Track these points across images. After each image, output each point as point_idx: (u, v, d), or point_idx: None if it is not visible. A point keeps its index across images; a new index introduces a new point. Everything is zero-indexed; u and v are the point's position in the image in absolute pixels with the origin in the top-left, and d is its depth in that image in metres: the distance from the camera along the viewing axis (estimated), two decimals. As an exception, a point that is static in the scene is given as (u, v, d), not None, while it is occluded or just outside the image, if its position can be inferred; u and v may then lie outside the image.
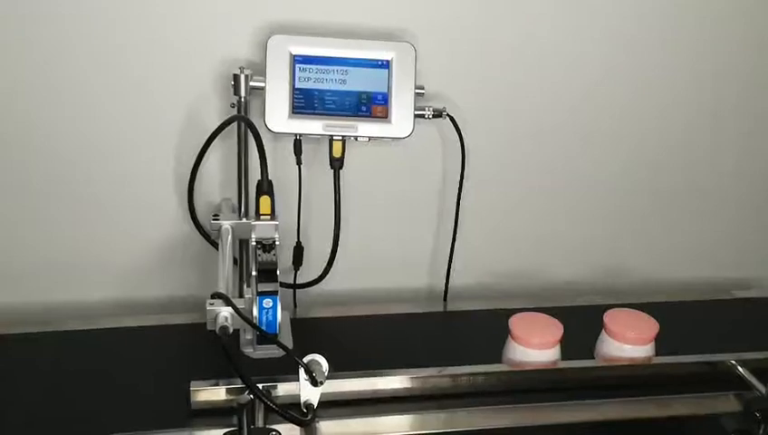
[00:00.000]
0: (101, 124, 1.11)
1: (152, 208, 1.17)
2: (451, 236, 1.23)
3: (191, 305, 1.21)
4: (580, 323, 1.17)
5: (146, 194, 1.16)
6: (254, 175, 1.09)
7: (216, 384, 0.92)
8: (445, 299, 1.26)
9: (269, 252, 0.89)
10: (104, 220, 1.17)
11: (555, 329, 1.02)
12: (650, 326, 1.04)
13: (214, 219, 1.11)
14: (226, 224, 1.10)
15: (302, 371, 0.88)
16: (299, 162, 1.08)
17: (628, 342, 1.03)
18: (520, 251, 1.31)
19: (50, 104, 1.09)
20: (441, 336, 1.16)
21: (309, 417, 0.86)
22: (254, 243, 0.90)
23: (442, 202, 1.25)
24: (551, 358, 1.01)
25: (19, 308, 1.18)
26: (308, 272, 1.19)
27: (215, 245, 1.16)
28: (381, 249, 1.27)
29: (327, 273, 1.15)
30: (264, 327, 0.87)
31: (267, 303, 0.85)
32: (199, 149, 1.06)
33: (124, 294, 1.21)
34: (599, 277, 1.35)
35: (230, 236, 1.08)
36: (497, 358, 1.05)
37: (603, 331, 1.06)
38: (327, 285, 1.20)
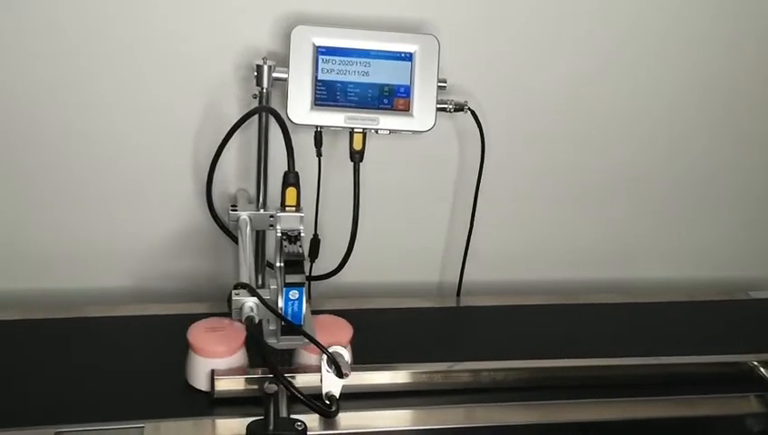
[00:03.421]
0: (122, 114, 1.11)
1: (169, 198, 1.17)
2: (466, 231, 1.23)
3: (206, 295, 1.21)
4: (594, 321, 1.19)
5: (164, 183, 1.16)
6: (273, 166, 1.09)
7: (240, 373, 0.92)
8: (458, 294, 1.26)
9: (294, 243, 0.89)
10: (122, 209, 1.16)
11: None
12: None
13: (232, 210, 1.10)
14: (244, 215, 1.09)
15: (324, 362, 0.88)
16: (319, 154, 1.08)
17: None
18: (534, 247, 1.32)
19: (73, 95, 1.08)
20: (455, 331, 1.17)
21: (333, 408, 0.86)
22: (279, 234, 0.90)
23: (456, 197, 1.25)
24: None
25: (36, 295, 1.17)
26: (320, 264, 1.18)
27: (230, 235, 1.16)
28: (394, 243, 1.27)
29: (344, 265, 1.15)
30: (289, 318, 0.86)
31: (293, 294, 0.85)
32: (220, 140, 1.05)
33: (140, 282, 1.20)
34: (613, 275, 1.35)
35: (249, 227, 1.07)
36: (511, 354, 1.05)
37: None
38: (339, 278, 1.19)
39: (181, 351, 0.96)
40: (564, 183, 1.28)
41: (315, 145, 1.07)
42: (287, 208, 0.92)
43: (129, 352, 1.03)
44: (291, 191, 0.91)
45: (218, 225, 1.15)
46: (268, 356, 0.81)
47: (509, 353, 1.06)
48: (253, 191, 1.15)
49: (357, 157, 1.08)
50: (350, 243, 1.13)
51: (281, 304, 0.87)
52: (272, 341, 0.88)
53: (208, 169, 1.08)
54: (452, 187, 1.24)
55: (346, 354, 0.89)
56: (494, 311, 1.22)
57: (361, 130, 1.07)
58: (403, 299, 1.23)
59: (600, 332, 1.16)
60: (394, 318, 1.17)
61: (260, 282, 1.14)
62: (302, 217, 0.92)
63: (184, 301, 1.18)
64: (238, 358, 0.95)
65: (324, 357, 0.88)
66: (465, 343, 1.12)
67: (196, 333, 0.95)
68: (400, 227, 1.26)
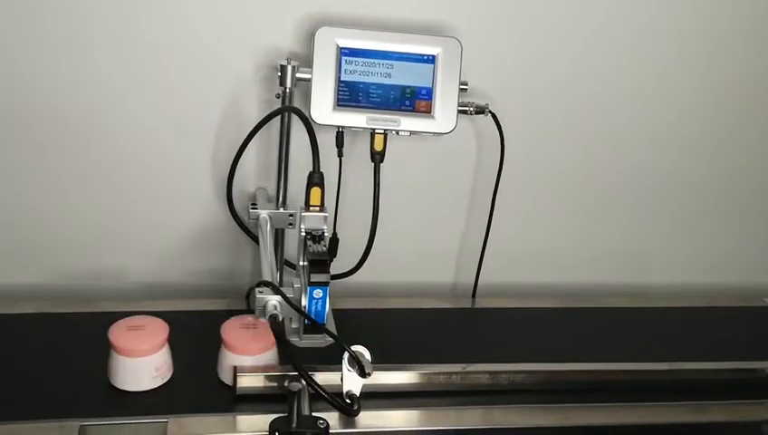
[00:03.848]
0: (144, 113, 1.12)
1: (189, 196, 1.18)
2: (481, 232, 1.24)
3: (223, 292, 1.21)
4: (609, 325, 1.19)
5: (184, 181, 1.17)
6: (293, 165, 1.10)
7: (263, 370, 0.92)
8: (473, 295, 1.27)
9: (318, 243, 0.89)
10: (142, 206, 1.17)
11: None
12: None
13: (252, 208, 1.11)
14: (264, 213, 1.10)
15: (345, 361, 0.89)
16: (340, 154, 1.09)
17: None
18: (549, 249, 1.32)
19: (95, 94, 1.09)
20: (471, 332, 1.17)
21: (355, 407, 0.87)
22: (303, 234, 0.91)
23: (473, 198, 1.26)
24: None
25: (56, 289, 1.18)
26: (335, 263, 1.19)
27: (249, 233, 1.17)
28: (409, 243, 1.28)
29: (362, 264, 1.15)
30: (312, 317, 0.87)
31: (317, 293, 0.86)
32: (240, 138, 1.06)
33: (159, 279, 1.21)
34: (629, 279, 1.36)
35: (269, 226, 1.08)
36: (527, 356, 1.06)
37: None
38: (352, 277, 1.20)
39: (203, 345, 0.97)
40: (581, 186, 1.28)
41: (337, 145, 1.08)
42: (311, 208, 0.92)
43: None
44: (315, 191, 0.92)
45: (237, 223, 1.16)
46: (293, 354, 0.82)
47: (524, 356, 1.07)
48: (272, 190, 1.16)
49: (377, 157, 1.08)
50: (368, 243, 1.13)
51: (304, 302, 0.87)
52: (294, 339, 0.89)
53: (229, 167, 1.09)
54: (469, 188, 1.25)
55: (367, 353, 0.89)
56: (508, 313, 1.23)
57: (383, 132, 1.07)
58: (418, 299, 1.24)
59: (615, 336, 1.17)
60: (409, 319, 1.18)
61: (278, 280, 1.14)
62: (326, 216, 0.93)
63: (202, 297, 1.19)
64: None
65: (346, 356, 0.89)
66: (480, 345, 1.13)
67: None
68: (417, 228, 1.27)
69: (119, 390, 0.93)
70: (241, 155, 1.07)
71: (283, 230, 1.14)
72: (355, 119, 1.06)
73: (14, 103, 1.08)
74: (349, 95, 1.05)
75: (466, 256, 1.29)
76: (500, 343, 1.13)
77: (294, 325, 0.90)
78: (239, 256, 1.23)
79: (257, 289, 0.89)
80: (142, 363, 0.92)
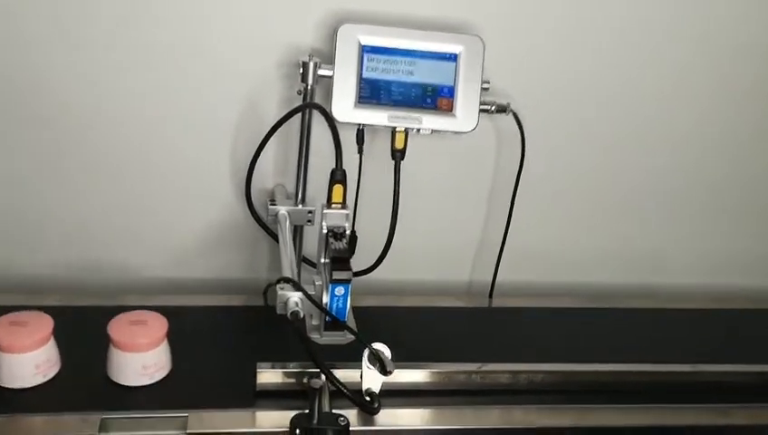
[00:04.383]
0: (163, 110, 1.12)
1: (207, 192, 1.18)
2: (499, 231, 1.23)
3: (239, 288, 1.22)
4: (625, 326, 1.19)
5: (202, 178, 1.17)
6: (313, 162, 1.10)
7: (283, 367, 0.93)
8: (491, 295, 1.27)
9: (340, 240, 0.89)
10: (160, 201, 1.17)
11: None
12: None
13: (271, 205, 1.11)
14: (283, 210, 1.10)
15: (365, 359, 0.89)
16: (360, 151, 1.08)
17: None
18: (567, 248, 1.32)
19: (114, 91, 1.09)
20: (487, 331, 1.17)
21: (376, 405, 0.87)
22: (325, 231, 0.90)
23: (492, 197, 1.25)
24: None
25: (78, 283, 1.19)
26: (355, 260, 1.18)
27: (267, 230, 1.17)
28: (427, 241, 1.27)
29: (381, 262, 1.15)
30: (333, 314, 0.87)
31: (339, 291, 0.86)
32: (259, 135, 1.06)
33: (176, 274, 1.21)
34: (646, 279, 1.36)
35: (288, 222, 1.08)
36: (546, 356, 1.06)
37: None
38: (372, 274, 1.20)
39: (220, 341, 0.97)
40: (600, 186, 1.28)
41: (357, 142, 1.08)
42: (333, 205, 0.92)
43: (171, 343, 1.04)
44: (338, 188, 0.92)
45: (255, 220, 1.16)
46: (314, 352, 0.82)
47: (542, 356, 1.06)
48: (290, 186, 1.16)
49: (398, 155, 1.08)
50: (387, 240, 1.13)
51: (325, 299, 0.87)
52: (314, 336, 0.89)
53: (249, 163, 1.09)
54: (488, 186, 1.25)
55: (388, 351, 0.89)
56: (525, 312, 1.23)
57: (404, 130, 1.07)
58: (435, 298, 1.24)
59: (633, 337, 1.17)
60: (426, 317, 1.17)
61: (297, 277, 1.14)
62: (347, 214, 0.93)
63: (217, 293, 1.19)
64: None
65: (366, 353, 0.88)
66: (497, 344, 1.12)
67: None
68: (436, 226, 1.27)
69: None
70: (260, 152, 1.07)
71: (301, 227, 1.14)
72: (376, 116, 1.05)
73: (34, 103, 1.08)
74: (370, 93, 1.05)
75: (484, 255, 1.29)
76: (517, 343, 1.13)
77: (315, 322, 0.90)
78: (256, 253, 1.23)
79: (278, 285, 0.89)
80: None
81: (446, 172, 1.23)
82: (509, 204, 1.22)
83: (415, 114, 1.06)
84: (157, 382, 0.95)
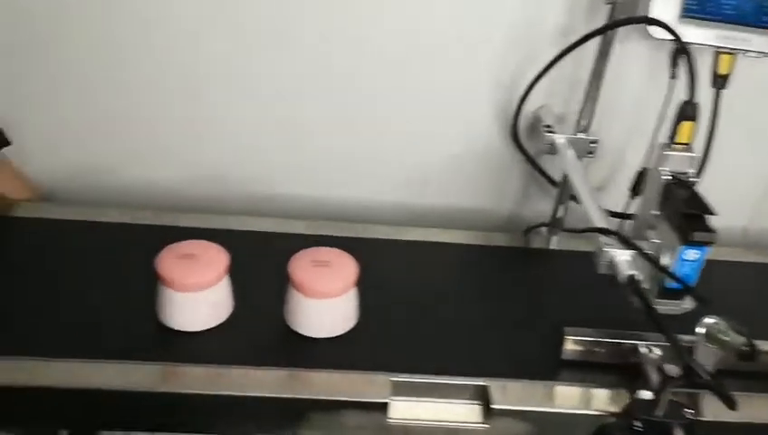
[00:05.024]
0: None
1: (460, 112, 1.03)
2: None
3: (479, 222, 1.10)
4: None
5: (456, 96, 1.02)
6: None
7: (594, 337, 0.79)
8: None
9: (688, 190, 0.72)
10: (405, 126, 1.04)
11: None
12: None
13: (547, 131, 0.96)
14: (563, 138, 0.95)
15: (704, 334, 0.73)
16: (673, 76, 0.90)
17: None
18: None
19: None
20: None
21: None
22: (669, 177, 0.73)
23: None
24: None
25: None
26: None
27: (531, 161, 1.02)
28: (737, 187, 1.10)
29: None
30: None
31: (693, 254, 0.69)
32: (561, 49, 0.89)
33: (406, 199, 1.10)
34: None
35: (571, 154, 0.93)
36: None
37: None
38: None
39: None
40: None
41: (672, 65, 0.88)
42: (677, 146, 0.75)
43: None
44: (687, 126, 0.74)
45: (519, 148, 1.01)
46: (665, 328, 0.66)
47: None
48: (557, 109, 1.00)
49: (720, 82, 0.89)
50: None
51: (665, 262, 0.71)
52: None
53: (526, 87, 0.95)
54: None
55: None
56: None
57: (730, 51, 0.87)
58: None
59: None
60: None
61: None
62: (693, 157, 0.75)
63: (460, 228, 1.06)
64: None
65: (704, 329, 0.72)
66: None
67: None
68: (745, 168, 1.09)
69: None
70: (545, 73, 0.92)
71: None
72: (702, 34, 0.86)
73: None
74: (697, 5, 0.86)
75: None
76: None
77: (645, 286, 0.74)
78: (508, 184, 1.09)
79: (602, 239, 0.73)
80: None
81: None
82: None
83: (745, 34, 0.86)
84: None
